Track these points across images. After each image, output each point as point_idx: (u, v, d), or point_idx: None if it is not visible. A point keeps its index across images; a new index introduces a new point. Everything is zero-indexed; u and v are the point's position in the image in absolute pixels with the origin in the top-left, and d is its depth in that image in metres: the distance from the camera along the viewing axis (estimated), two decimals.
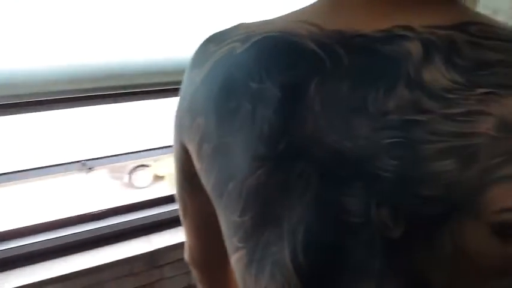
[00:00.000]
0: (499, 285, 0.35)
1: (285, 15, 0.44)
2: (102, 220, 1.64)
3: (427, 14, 0.37)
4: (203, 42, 0.49)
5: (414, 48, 0.35)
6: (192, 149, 0.48)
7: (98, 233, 1.59)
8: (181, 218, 0.60)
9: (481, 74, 0.33)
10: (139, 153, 2.51)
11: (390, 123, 0.35)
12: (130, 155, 2.61)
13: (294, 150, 0.39)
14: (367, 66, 0.37)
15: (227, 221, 0.48)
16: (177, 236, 1.66)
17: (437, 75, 0.34)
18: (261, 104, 0.40)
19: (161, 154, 2.52)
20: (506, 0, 1.80)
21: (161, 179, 6.09)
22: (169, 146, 2.24)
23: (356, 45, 0.37)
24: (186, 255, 0.65)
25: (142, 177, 6.18)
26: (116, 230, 1.63)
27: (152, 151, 2.50)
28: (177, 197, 0.59)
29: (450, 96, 0.33)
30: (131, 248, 1.59)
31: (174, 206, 1.68)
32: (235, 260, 0.49)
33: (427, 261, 0.36)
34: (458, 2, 0.38)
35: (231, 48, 0.44)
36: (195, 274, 0.68)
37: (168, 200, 1.79)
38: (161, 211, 1.74)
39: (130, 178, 6.11)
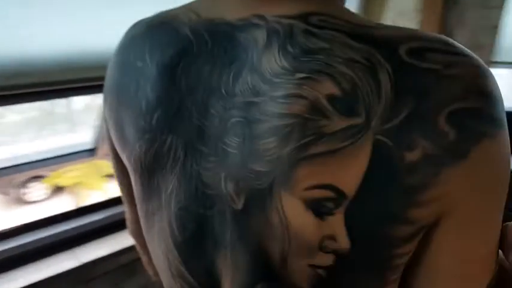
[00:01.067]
0: (321, 260, 0.38)
1: (188, 3, 0.47)
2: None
3: (281, 4, 0.39)
4: (129, 28, 0.52)
5: (260, 36, 0.39)
6: (107, 120, 0.53)
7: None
8: (118, 183, 0.63)
9: (304, 60, 0.36)
10: (31, 164, 2.17)
11: (236, 104, 0.39)
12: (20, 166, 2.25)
13: (164, 124, 0.43)
14: (225, 52, 0.41)
15: (133, 184, 0.51)
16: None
17: (272, 61, 0.37)
18: (143, 81, 0.45)
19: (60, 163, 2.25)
20: (410, 4, 1.93)
21: (61, 191, 5.53)
22: (69, 154, 2.06)
23: (220, 32, 0.41)
24: (127, 226, 0.69)
25: (37, 190, 5.55)
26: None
27: (47, 160, 2.20)
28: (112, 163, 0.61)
29: (277, 80, 0.37)
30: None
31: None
32: (142, 224, 0.53)
33: (264, 232, 0.39)
34: None
35: (135, 31, 0.49)
36: (135, 244, 0.71)
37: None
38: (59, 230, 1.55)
39: (20, 192, 5.43)
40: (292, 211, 0.37)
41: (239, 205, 0.40)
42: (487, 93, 0.34)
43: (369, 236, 0.37)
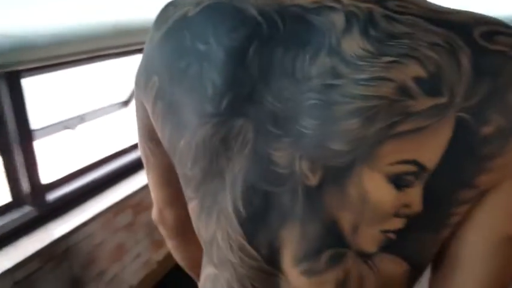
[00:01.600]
0: (393, 225, 0.40)
1: None
2: None
3: None
4: (165, 5, 0.51)
5: (338, 19, 0.39)
6: (148, 107, 0.51)
7: None
8: (146, 170, 0.62)
9: (389, 44, 0.37)
10: None
11: (313, 87, 0.39)
12: None
13: (234, 108, 0.43)
14: (298, 34, 0.40)
15: (181, 174, 0.52)
16: None
17: (353, 44, 0.38)
18: (207, 65, 0.43)
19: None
20: None
21: None
22: None
23: (291, 14, 0.41)
24: (153, 214, 0.68)
25: None
26: None
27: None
28: (141, 154, 0.61)
29: (360, 63, 0.37)
30: None
31: None
32: (190, 210, 0.54)
33: (338, 205, 0.41)
34: None
35: (185, 11, 0.46)
36: (162, 231, 0.70)
37: None
38: None
39: None
40: (373, 185, 0.39)
41: (314, 182, 0.41)
42: None
43: (439, 200, 0.39)
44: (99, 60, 1.73)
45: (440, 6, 0.39)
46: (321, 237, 0.43)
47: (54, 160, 1.65)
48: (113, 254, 1.84)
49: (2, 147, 1.41)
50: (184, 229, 0.66)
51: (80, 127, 2.14)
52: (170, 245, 0.72)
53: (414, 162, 0.37)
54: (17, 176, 1.47)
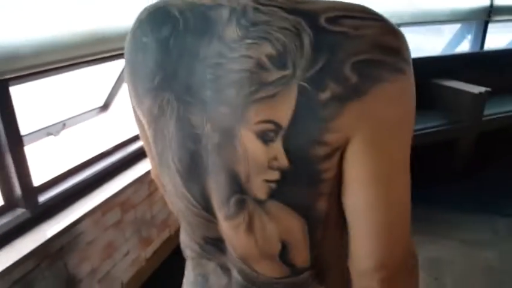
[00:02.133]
0: (271, 175, 0.49)
1: None
2: None
3: None
4: (139, 13, 0.63)
5: (225, 13, 0.49)
6: (128, 87, 0.63)
7: None
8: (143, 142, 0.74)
9: (252, 30, 0.46)
10: None
11: (210, 65, 0.49)
12: None
13: (163, 84, 0.54)
14: (201, 25, 0.50)
15: (148, 135, 0.62)
16: None
17: (231, 31, 0.48)
18: (147, 53, 0.55)
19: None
20: None
21: None
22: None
23: (198, 11, 0.51)
24: (152, 173, 0.78)
25: None
26: None
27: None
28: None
29: (233, 45, 0.47)
30: None
31: None
32: (156, 166, 0.64)
33: (233, 158, 0.51)
34: None
35: (141, 16, 0.59)
36: (159, 188, 0.80)
37: None
38: None
39: None
40: (248, 141, 0.49)
41: (215, 139, 0.52)
42: (391, 47, 0.43)
43: (300, 156, 0.48)
44: (81, 67, 1.81)
45: (305, 0, 0.47)
46: (228, 186, 0.53)
47: (41, 165, 1.71)
48: (103, 252, 1.91)
49: None
50: None
51: (63, 133, 2.20)
52: (166, 198, 0.81)
53: (272, 122, 0.46)
54: (9, 181, 1.54)
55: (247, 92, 0.46)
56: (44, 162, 2.04)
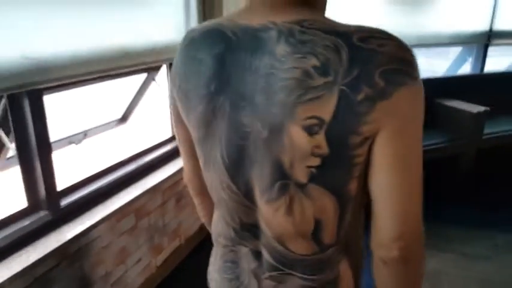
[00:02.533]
0: (312, 162, 0.60)
1: (226, 15, 0.70)
2: None
3: (284, 15, 0.62)
4: (186, 33, 0.74)
5: (274, 34, 0.60)
6: (175, 95, 0.74)
7: None
8: (178, 143, 0.85)
9: (300, 46, 0.58)
10: None
11: (261, 75, 0.60)
12: None
13: (217, 90, 0.64)
14: (253, 44, 0.62)
15: (194, 138, 0.73)
16: None
17: (280, 48, 0.59)
18: (203, 67, 0.66)
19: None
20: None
21: None
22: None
23: (249, 32, 0.63)
24: (184, 177, 0.90)
25: None
26: None
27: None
28: (175, 133, 0.83)
29: (283, 59, 0.58)
30: None
31: None
32: (200, 163, 0.76)
33: (280, 150, 0.62)
34: (303, 8, 0.62)
35: (193, 35, 0.71)
36: (190, 191, 0.92)
37: None
38: None
39: None
40: (295, 134, 0.59)
41: (264, 135, 0.62)
42: (405, 60, 0.57)
43: (338, 144, 0.59)
44: (108, 80, 1.93)
45: (336, 22, 0.60)
46: (273, 173, 0.64)
47: (62, 171, 1.81)
48: (117, 257, 2.00)
49: (23, 158, 1.57)
50: (204, 190, 0.86)
51: (84, 142, 2.31)
52: (196, 202, 0.94)
53: (317, 118, 0.57)
54: (35, 184, 1.64)
55: (296, 95, 0.58)
56: (65, 168, 2.14)
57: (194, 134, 0.72)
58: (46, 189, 1.65)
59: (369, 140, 0.59)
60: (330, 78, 0.56)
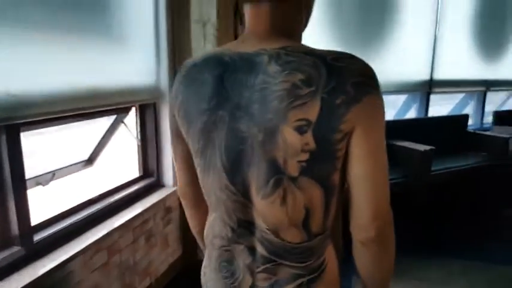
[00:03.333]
0: (302, 157, 0.71)
1: (225, 45, 0.83)
2: None
3: (272, 44, 0.75)
4: (184, 62, 0.86)
5: (265, 58, 0.73)
6: (176, 114, 0.84)
7: None
8: (174, 161, 0.94)
9: (287, 65, 0.70)
10: None
11: (256, 89, 0.72)
12: None
13: (218, 105, 0.75)
14: (248, 66, 0.74)
15: (193, 150, 0.82)
16: None
17: (272, 68, 0.71)
18: (204, 86, 0.77)
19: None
20: (213, 15, 2.54)
21: None
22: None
23: (245, 57, 0.75)
24: (179, 191, 0.99)
25: None
26: None
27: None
28: (172, 147, 0.93)
29: (275, 75, 0.70)
30: None
31: None
32: (198, 172, 0.85)
33: (274, 149, 0.72)
34: (285, 38, 0.76)
35: (194, 61, 0.82)
36: (184, 203, 1.01)
37: None
38: None
39: None
40: (288, 134, 0.70)
41: (260, 138, 0.73)
42: (370, 75, 0.71)
43: (323, 140, 0.70)
44: (82, 119, 2.02)
45: (311, 47, 0.74)
46: (268, 171, 0.74)
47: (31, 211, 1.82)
48: None
49: None
50: (198, 202, 0.96)
51: (51, 184, 2.33)
52: (188, 214, 1.03)
53: (305, 119, 0.69)
54: (8, 220, 1.65)
55: (288, 102, 0.70)
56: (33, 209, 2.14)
57: (194, 146, 0.82)
58: (19, 224, 1.67)
59: (347, 136, 0.71)
60: (313, 88, 0.69)
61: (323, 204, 0.76)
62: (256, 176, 0.75)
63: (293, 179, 0.73)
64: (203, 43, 2.61)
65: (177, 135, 0.87)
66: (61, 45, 1.79)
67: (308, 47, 0.74)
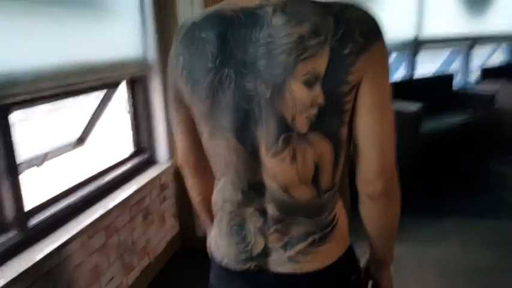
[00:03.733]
0: (311, 112, 0.70)
1: (223, 2, 0.78)
2: None
3: None
4: (182, 23, 0.81)
5: (269, 10, 0.70)
6: (177, 76, 0.80)
7: None
8: (175, 125, 0.90)
9: (293, 16, 0.68)
10: None
11: (261, 44, 0.70)
12: None
13: (223, 63, 0.73)
14: (252, 20, 0.71)
15: (198, 112, 0.79)
16: None
17: (277, 19, 0.69)
18: (207, 43, 0.74)
19: None
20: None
21: None
22: None
23: (247, 11, 0.72)
24: (179, 159, 0.94)
25: None
26: None
27: None
28: (171, 111, 0.89)
29: (281, 27, 0.69)
30: None
31: None
32: (204, 137, 0.82)
33: (283, 105, 0.71)
34: None
35: (194, 20, 0.78)
36: (185, 172, 0.97)
37: None
38: None
39: None
40: (296, 88, 0.69)
41: (268, 95, 0.71)
42: (375, 23, 0.71)
43: (332, 94, 0.69)
44: (73, 96, 1.94)
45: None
46: (277, 128, 0.72)
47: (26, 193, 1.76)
48: (90, 276, 1.96)
49: None
50: (201, 169, 0.93)
51: (45, 164, 2.26)
52: (190, 183, 0.98)
53: (314, 72, 0.68)
54: (2, 205, 1.59)
55: (295, 55, 0.68)
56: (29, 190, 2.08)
57: (199, 108, 0.78)
58: (14, 209, 1.61)
59: (355, 88, 0.70)
60: (321, 39, 0.67)
61: (332, 159, 0.75)
62: (265, 134, 0.74)
63: (302, 135, 0.72)
64: (190, 9, 2.50)
65: (178, 100, 0.83)
66: (45, 18, 1.69)
67: None
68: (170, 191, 2.80)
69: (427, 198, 3.54)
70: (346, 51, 0.68)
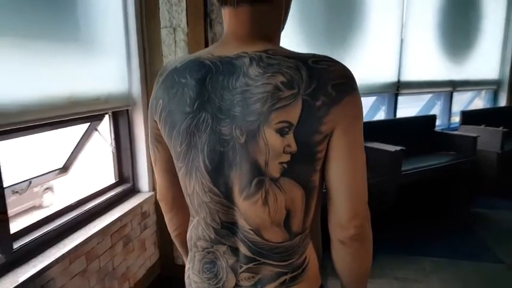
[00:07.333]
0: (284, 159, 0.72)
1: (204, 49, 0.81)
2: None
3: (253, 47, 0.75)
4: (163, 66, 0.85)
5: (246, 60, 0.73)
6: (156, 119, 0.83)
7: None
8: (153, 165, 0.93)
9: (268, 68, 0.71)
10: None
11: (238, 92, 0.72)
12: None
13: (200, 108, 0.75)
14: (230, 69, 0.74)
15: (175, 153, 0.81)
16: None
17: (253, 70, 0.72)
18: (186, 88, 0.76)
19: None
20: (183, 20, 2.59)
21: None
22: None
23: (226, 60, 0.75)
24: (158, 194, 0.98)
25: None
26: None
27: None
28: (151, 150, 0.92)
29: (256, 78, 0.71)
30: None
31: None
32: (180, 175, 0.84)
33: (256, 151, 0.72)
34: (266, 41, 0.77)
35: (175, 65, 0.81)
36: (163, 207, 1.00)
37: None
38: None
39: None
40: (270, 136, 0.71)
41: (242, 140, 0.73)
42: (348, 76, 0.72)
43: (304, 142, 0.71)
44: (58, 127, 2.05)
45: (291, 51, 0.75)
46: (250, 172, 0.74)
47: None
48: None
49: None
50: (178, 205, 0.97)
51: (28, 192, 2.33)
52: (168, 218, 1.01)
53: (286, 121, 0.70)
54: None
55: (270, 104, 0.71)
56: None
57: (176, 149, 0.81)
58: (0, 232, 1.69)
59: (327, 138, 0.72)
60: (294, 91, 0.70)
61: (303, 204, 0.77)
62: (238, 177, 0.75)
63: (274, 180, 0.74)
64: (174, 49, 2.67)
65: (156, 139, 0.88)
66: (33, 53, 1.81)
67: (288, 50, 0.75)
68: (151, 220, 2.87)
69: (408, 237, 3.61)
70: (318, 103, 0.70)
